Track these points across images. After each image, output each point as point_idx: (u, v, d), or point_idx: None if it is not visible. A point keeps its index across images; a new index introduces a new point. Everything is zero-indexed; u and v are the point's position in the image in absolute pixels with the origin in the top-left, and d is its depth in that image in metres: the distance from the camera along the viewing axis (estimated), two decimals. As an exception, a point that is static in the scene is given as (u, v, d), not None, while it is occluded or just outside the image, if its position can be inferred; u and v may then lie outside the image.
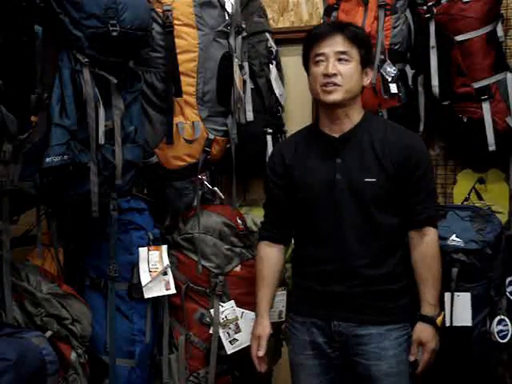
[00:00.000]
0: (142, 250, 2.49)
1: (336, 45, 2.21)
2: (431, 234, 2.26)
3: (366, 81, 2.29)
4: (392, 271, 2.22)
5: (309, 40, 2.29)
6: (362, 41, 2.26)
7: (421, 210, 2.24)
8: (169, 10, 2.49)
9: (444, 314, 2.33)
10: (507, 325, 2.51)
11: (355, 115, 2.27)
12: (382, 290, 2.21)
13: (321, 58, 2.22)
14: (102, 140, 2.21)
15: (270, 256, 2.40)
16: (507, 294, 2.57)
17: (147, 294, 2.48)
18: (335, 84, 2.18)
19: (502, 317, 2.52)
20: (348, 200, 2.21)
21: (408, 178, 2.21)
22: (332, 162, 2.24)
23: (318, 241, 2.26)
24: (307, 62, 2.29)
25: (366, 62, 2.26)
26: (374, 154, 2.21)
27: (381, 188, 2.19)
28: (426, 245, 2.24)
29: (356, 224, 2.21)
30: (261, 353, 2.33)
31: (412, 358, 2.21)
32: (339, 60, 2.19)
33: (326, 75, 2.19)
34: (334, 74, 2.18)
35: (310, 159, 2.29)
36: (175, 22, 2.51)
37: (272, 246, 2.40)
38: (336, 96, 2.19)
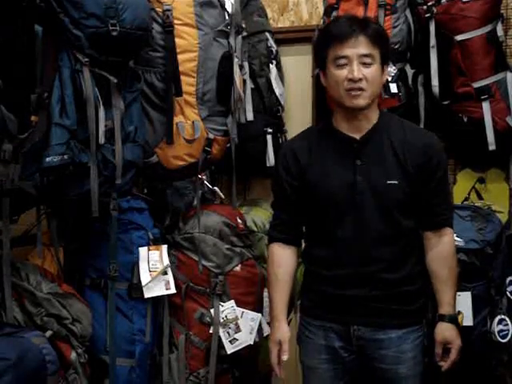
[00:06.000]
0: (142, 250, 2.49)
1: (359, 47, 2.11)
2: (449, 235, 2.24)
3: (383, 79, 2.24)
4: (410, 273, 2.19)
5: (328, 39, 2.19)
6: (382, 40, 2.19)
7: (440, 211, 2.21)
8: (169, 10, 2.49)
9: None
10: (507, 324, 2.51)
11: (373, 115, 2.22)
12: (401, 293, 2.18)
13: (343, 61, 2.12)
14: (102, 140, 2.21)
15: (284, 258, 2.32)
16: (507, 293, 2.57)
17: (147, 294, 2.48)
18: (360, 89, 2.11)
19: (503, 316, 2.52)
20: (370, 202, 2.15)
21: (429, 179, 2.17)
22: (351, 163, 2.18)
23: (335, 243, 2.20)
24: (323, 61, 2.20)
25: (385, 60, 2.19)
26: (395, 155, 2.16)
27: (403, 190, 2.15)
28: (444, 245, 2.22)
29: (377, 227, 2.16)
30: (285, 357, 2.26)
31: (439, 359, 2.20)
32: (363, 63, 2.11)
33: (351, 80, 2.11)
34: (360, 79, 2.10)
35: (327, 160, 2.22)
36: (175, 21, 2.50)
37: (285, 247, 2.33)
38: (362, 101, 2.13)
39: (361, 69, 2.11)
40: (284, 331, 2.29)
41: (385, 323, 2.19)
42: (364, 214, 2.16)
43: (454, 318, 2.22)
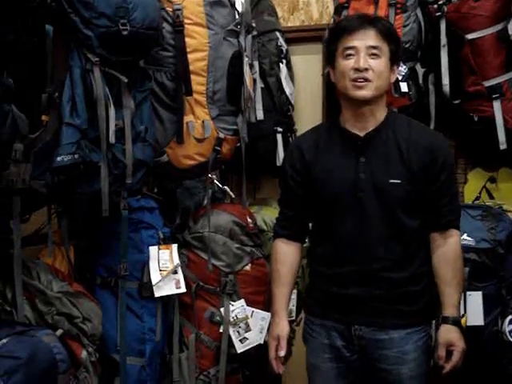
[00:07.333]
0: (153, 249, 2.50)
1: (368, 39, 2.13)
2: (455, 236, 2.21)
3: (393, 78, 2.23)
4: (414, 273, 2.18)
5: (337, 32, 2.21)
6: (392, 36, 2.19)
7: (446, 212, 2.19)
8: (179, 9, 2.49)
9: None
10: (518, 324, 2.51)
11: (380, 113, 2.21)
12: (404, 293, 2.17)
13: (351, 51, 2.13)
14: (112, 139, 2.21)
15: (288, 254, 2.32)
16: (518, 293, 2.56)
17: (157, 293, 2.48)
18: (366, 79, 2.11)
19: (514, 316, 2.51)
20: (372, 200, 2.15)
21: (434, 179, 2.16)
22: (355, 160, 2.17)
23: (338, 241, 2.19)
24: (333, 54, 2.21)
25: (394, 58, 2.19)
26: (399, 154, 2.15)
27: (406, 190, 2.14)
28: (450, 247, 2.19)
29: (380, 225, 2.15)
30: (282, 353, 2.27)
31: (441, 362, 2.16)
32: (370, 55, 2.12)
33: (357, 70, 2.11)
34: (366, 69, 2.10)
35: (331, 157, 2.22)
36: (185, 21, 2.50)
37: (289, 243, 2.33)
38: (366, 92, 2.12)
39: (368, 60, 2.12)
40: (283, 327, 2.29)
41: (386, 323, 2.17)
42: (366, 211, 2.16)
43: (457, 321, 2.18)
